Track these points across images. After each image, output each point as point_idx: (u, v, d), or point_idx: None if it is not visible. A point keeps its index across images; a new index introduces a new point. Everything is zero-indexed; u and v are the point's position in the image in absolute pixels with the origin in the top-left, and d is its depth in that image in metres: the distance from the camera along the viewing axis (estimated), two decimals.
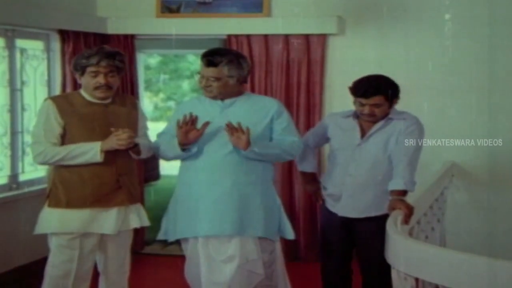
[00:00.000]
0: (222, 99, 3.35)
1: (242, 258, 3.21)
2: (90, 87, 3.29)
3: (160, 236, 3.45)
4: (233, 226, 3.22)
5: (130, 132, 3.27)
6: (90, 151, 3.23)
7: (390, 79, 3.49)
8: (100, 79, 3.27)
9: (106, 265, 3.42)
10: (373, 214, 3.47)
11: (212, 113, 3.32)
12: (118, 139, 3.23)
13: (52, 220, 3.27)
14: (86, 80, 3.30)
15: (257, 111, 3.32)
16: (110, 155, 3.28)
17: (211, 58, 3.26)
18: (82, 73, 3.29)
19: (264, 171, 3.31)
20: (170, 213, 3.44)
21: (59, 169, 3.29)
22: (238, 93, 3.37)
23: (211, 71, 3.27)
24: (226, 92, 3.31)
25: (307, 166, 3.77)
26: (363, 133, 3.51)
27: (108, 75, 3.28)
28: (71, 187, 3.26)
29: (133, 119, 3.45)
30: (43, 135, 3.24)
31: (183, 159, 3.38)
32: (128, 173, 3.38)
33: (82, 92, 3.35)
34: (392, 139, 3.45)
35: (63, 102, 3.30)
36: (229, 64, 3.25)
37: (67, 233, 3.26)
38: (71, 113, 3.27)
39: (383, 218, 3.34)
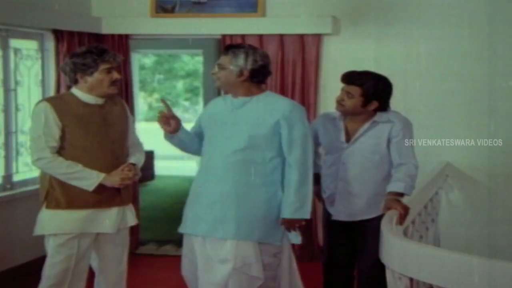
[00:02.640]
0: (227, 92, 3.33)
1: (237, 261, 3.19)
2: (104, 84, 3.27)
3: (180, 229, 3.42)
4: (227, 229, 3.20)
5: (135, 170, 3.35)
6: (89, 180, 3.22)
7: (382, 81, 3.43)
8: (116, 74, 3.29)
9: (104, 265, 3.41)
10: (366, 217, 3.46)
11: (224, 112, 3.32)
12: (123, 178, 3.27)
13: (52, 221, 3.25)
14: (98, 78, 3.25)
15: (267, 112, 3.25)
16: (111, 158, 3.30)
17: (226, 46, 3.33)
18: (93, 71, 3.25)
19: (273, 173, 3.26)
20: (186, 206, 3.43)
21: None
22: (252, 92, 3.30)
23: (220, 59, 3.30)
24: (229, 84, 3.27)
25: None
26: (348, 136, 3.48)
27: (117, 70, 3.32)
28: (71, 188, 3.24)
29: (125, 119, 3.47)
30: (43, 139, 3.20)
31: (201, 158, 3.42)
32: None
33: (76, 92, 3.30)
34: (382, 143, 3.41)
35: (60, 104, 3.26)
36: (236, 55, 3.24)
37: (66, 233, 3.25)
38: (69, 115, 3.24)
39: (378, 219, 3.36)
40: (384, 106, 3.45)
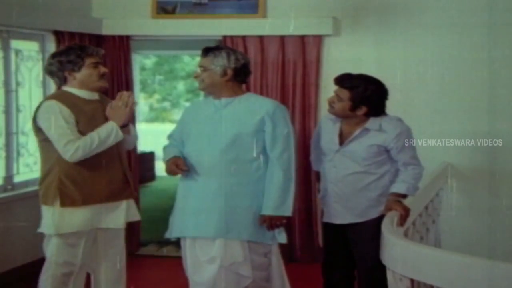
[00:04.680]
0: (211, 94, 3.34)
1: (225, 259, 3.22)
2: (93, 78, 3.30)
3: (166, 235, 3.47)
4: (216, 229, 3.23)
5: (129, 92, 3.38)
6: (112, 131, 3.25)
7: (373, 86, 3.36)
8: (103, 68, 3.33)
9: (102, 264, 3.42)
10: (356, 220, 3.44)
11: (207, 113, 3.34)
12: (126, 104, 3.29)
13: (69, 220, 3.25)
14: (86, 73, 3.28)
15: (251, 110, 3.29)
16: (115, 151, 3.33)
17: (204, 49, 3.32)
18: (80, 66, 3.27)
19: (258, 171, 3.29)
20: (172, 212, 3.46)
21: (64, 167, 3.25)
22: (235, 92, 3.34)
23: (201, 61, 3.33)
24: (213, 84, 3.29)
25: (315, 165, 3.74)
26: (342, 139, 3.45)
27: (102, 64, 3.36)
28: (83, 184, 3.25)
29: None
30: (70, 133, 3.18)
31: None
32: (128, 168, 3.47)
33: (72, 90, 3.31)
34: (372, 150, 3.37)
35: (66, 101, 3.26)
36: (217, 56, 3.28)
37: (80, 231, 3.27)
38: (78, 111, 3.26)
39: (370, 223, 3.36)
40: (375, 111, 3.39)
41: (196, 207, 3.27)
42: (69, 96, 3.30)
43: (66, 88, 3.33)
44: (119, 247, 3.46)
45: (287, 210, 3.26)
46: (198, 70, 3.34)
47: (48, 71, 3.35)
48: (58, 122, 3.20)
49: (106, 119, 3.31)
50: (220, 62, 3.27)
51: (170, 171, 3.30)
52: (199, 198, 3.27)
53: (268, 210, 3.25)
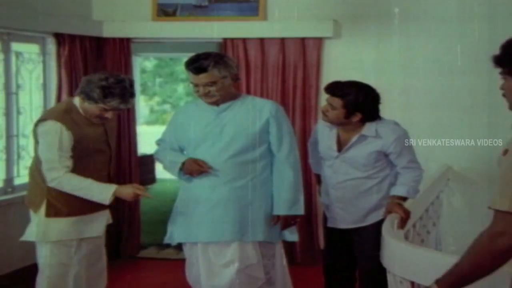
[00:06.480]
0: (222, 103, 3.30)
1: (241, 262, 3.22)
2: (92, 115, 3.25)
3: (166, 240, 3.44)
4: (232, 232, 3.22)
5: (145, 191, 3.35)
6: (104, 194, 3.20)
7: (363, 92, 3.35)
8: (109, 115, 3.25)
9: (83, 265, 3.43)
10: (359, 225, 3.46)
11: (207, 118, 3.31)
12: (136, 194, 3.24)
13: (53, 230, 3.26)
14: (90, 109, 3.23)
15: (252, 114, 3.29)
16: (105, 166, 3.35)
17: (198, 65, 3.19)
18: (90, 103, 3.20)
19: (263, 172, 3.29)
20: (173, 217, 3.43)
21: None
22: (234, 96, 3.34)
23: (203, 77, 3.19)
24: (225, 94, 3.26)
25: (315, 168, 3.75)
26: (340, 145, 3.46)
27: (114, 111, 3.28)
28: (70, 197, 3.24)
29: (115, 129, 3.59)
30: (57, 160, 3.17)
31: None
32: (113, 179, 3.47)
33: (76, 104, 3.29)
34: (371, 157, 3.38)
35: (71, 121, 3.23)
36: (218, 65, 3.19)
37: (67, 240, 3.28)
38: (79, 132, 3.24)
39: (372, 226, 3.37)
40: (369, 116, 3.39)
41: (208, 211, 3.25)
42: (75, 114, 3.27)
43: (76, 101, 3.30)
44: (100, 249, 3.47)
45: (300, 209, 3.29)
46: (204, 88, 3.20)
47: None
48: (52, 147, 3.18)
49: (105, 143, 3.34)
50: (227, 71, 3.21)
51: (194, 171, 3.25)
52: (210, 202, 3.25)
53: (282, 210, 3.26)
